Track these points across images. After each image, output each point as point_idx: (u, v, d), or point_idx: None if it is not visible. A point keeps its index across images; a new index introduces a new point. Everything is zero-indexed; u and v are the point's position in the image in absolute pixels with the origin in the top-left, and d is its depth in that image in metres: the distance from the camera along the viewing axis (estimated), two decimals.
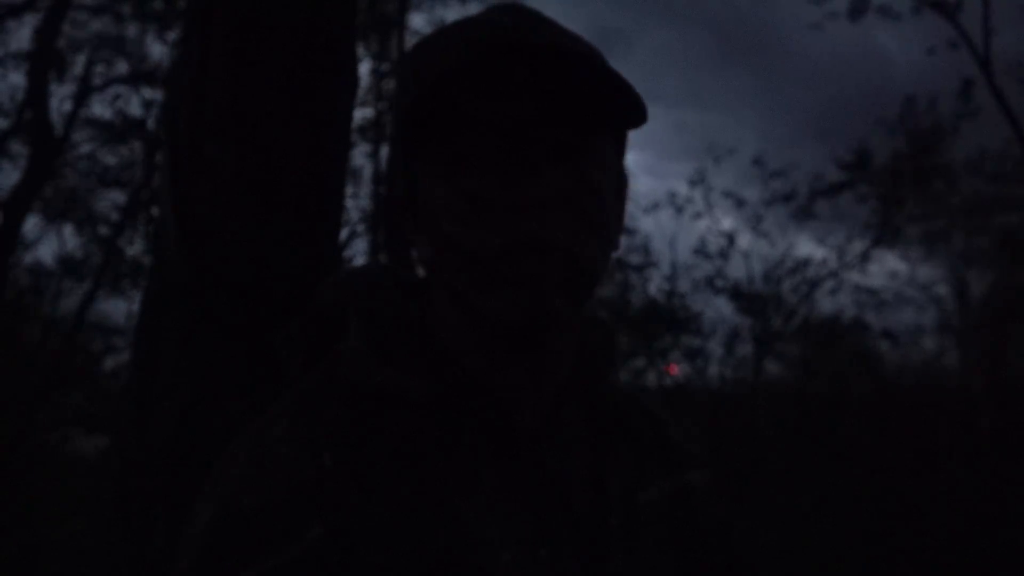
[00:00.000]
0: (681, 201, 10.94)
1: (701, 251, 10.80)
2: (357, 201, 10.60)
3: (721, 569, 0.73)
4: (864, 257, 10.56)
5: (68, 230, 10.02)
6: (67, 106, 9.62)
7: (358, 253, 10.04)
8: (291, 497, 0.54)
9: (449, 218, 0.58)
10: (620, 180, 0.67)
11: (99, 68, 9.92)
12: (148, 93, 9.62)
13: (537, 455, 0.62)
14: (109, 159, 10.07)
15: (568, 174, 0.58)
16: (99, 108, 13.13)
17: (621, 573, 0.62)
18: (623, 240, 0.69)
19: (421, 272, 0.72)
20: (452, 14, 10.09)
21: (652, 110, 0.62)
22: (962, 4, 8.91)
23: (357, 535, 0.54)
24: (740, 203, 10.92)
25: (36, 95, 8.93)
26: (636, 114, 0.61)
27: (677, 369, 10.51)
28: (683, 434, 0.77)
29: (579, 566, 0.60)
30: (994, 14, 8.68)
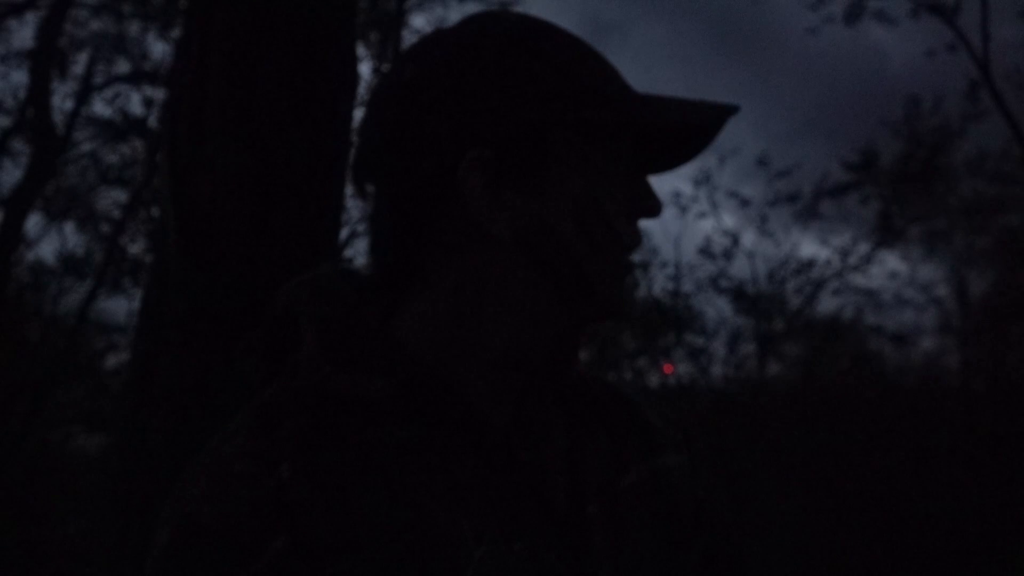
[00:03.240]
0: (686, 201, 10.95)
1: (705, 251, 10.81)
2: (357, 200, 10.59)
3: (704, 549, 0.73)
4: (868, 259, 10.58)
5: (70, 228, 10.04)
6: (69, 104, 9.65)
7: (358, 253, 10.03)
8: (250, 512, 0.54)
9: (618, 210, 0.64)
10: None
11: (101, 66, 9.94)
12: (149, 91, 9.65)
13: (507, 448, 0.62)
14: (111, 157, 10.10)
15: None
16: (101, 107, 13.16)
17: (602, 561, 0.62)
18: None
19: (378, 269, 0.70)
20: (453, 14, 10.09)
21: None
22: (960, 7, 8.92)
23: (324, 543, 0.54)
24: (744, 203, 10.94)
25: (38, 93, 8.94)
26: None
27: (672, 368, 10.54)
28: (660, 417, 0.77)
29: (556, 558, 0.60)
30: (992, 17, 8.68)
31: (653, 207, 0.67)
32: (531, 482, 0.62)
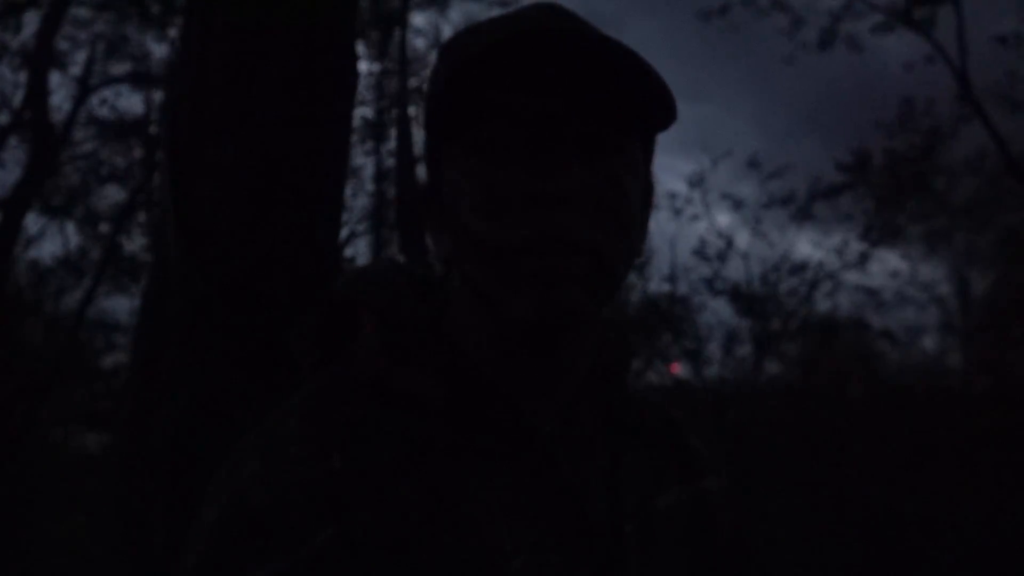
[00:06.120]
0: (680, 203, 10.94)
1: (700, 253, 10.79)
2: (357, 201, 10.61)
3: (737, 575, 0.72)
4: (863, 258, 10.55)
5: (69, 227, 10.04)
6: (67, 103, 9.65)
7: (358, 253, 10.05)
8: (301, 498, 0.53)
9: (472, 210, 0.57)
10: (647, 186, 0.65)
11: (99, 66, 9.94)
12: (149, 92, 9.65)
13: (551, 459, 0.61)
14: (109, 156, 10.09)
15: (596, 172, 0.57)
16: (99, 106, 13.15)
17: None
18: None
19: (439, 269, 0.70)
20: (454, 14, 10.10)
21: None
22: (935, 21, 8.94)
23: (368, 539, 0.53)
24: (738, 204, 10.93)
25: (36, 92, 8.94)
26: (666, 114, 0.60)
27: (679, 367, 10.56)
28: (700, 439, 0.76)
29: (592, 572, 0.59)
30: (976, 25, 8.73)
31: (531, 193, 0.55)
32: (572, 495, 0.61)
